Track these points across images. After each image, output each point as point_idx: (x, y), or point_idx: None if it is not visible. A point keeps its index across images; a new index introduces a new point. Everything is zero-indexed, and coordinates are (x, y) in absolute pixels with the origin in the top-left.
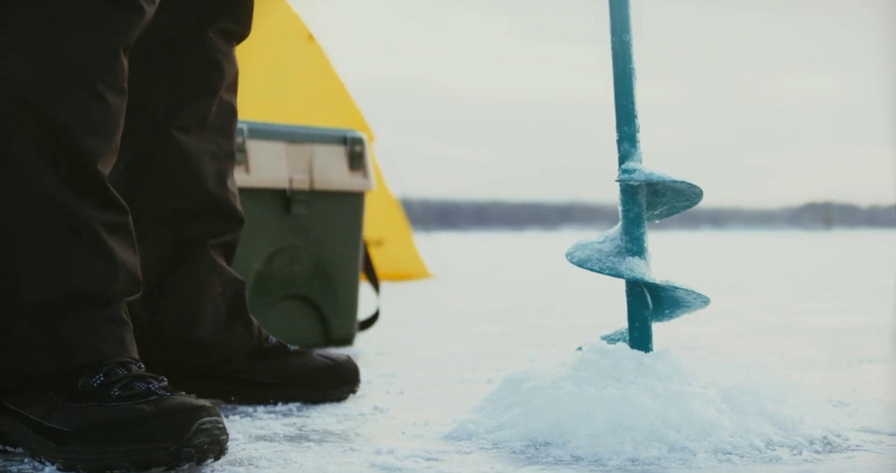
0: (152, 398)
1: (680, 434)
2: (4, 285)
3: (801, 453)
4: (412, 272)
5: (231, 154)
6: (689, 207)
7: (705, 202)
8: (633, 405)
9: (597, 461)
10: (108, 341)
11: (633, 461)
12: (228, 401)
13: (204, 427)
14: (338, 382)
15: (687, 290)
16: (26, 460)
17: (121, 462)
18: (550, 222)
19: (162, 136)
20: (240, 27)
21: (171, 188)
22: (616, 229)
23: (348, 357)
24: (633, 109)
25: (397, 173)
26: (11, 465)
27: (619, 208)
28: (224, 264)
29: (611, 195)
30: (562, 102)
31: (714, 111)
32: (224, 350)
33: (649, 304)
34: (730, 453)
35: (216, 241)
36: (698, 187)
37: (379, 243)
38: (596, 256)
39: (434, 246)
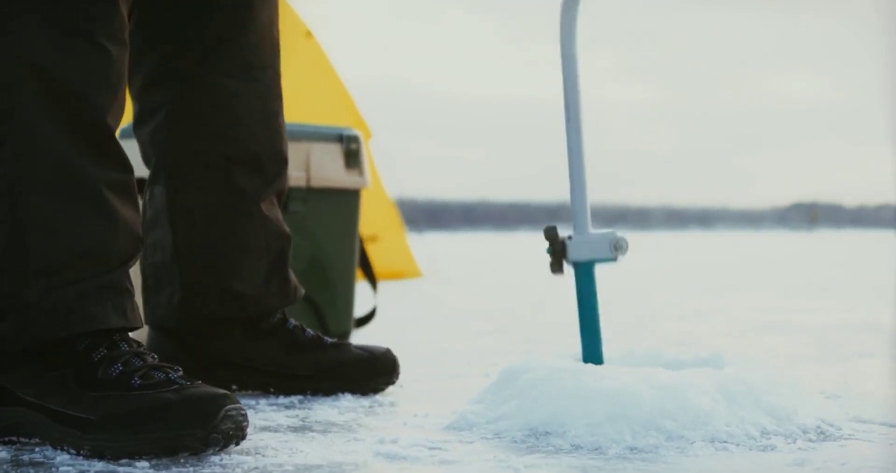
0: (174, 387)
1: (677, 424)
2: (11, 246)
3: (795, 441)
4: (405, 271)
5: (278, 94)
6: None
7: (693, 202)
8: (631, 395)
9: (596, 449)
10: (111, 310)
11: (631, 449)
12: (268, 392)
13: (230, 413)
14: (372, 374)
15: None
16: (37, 449)
17: (149, 448)
18: (540, 222)
19: (201, 81)
20: None
21: (215, 135)
22: None
23: (387, 350)
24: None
25: (393, 173)
26: (23, 454)
27: None
28: (273, 216)
29: (599, 196)
30: (553, 103)
31: (702, 112)
32: (259, 306)
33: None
34: (726, 441)
35: (268, 192)
36: None
37: (373, 238)
38: None
39: (426, 245)
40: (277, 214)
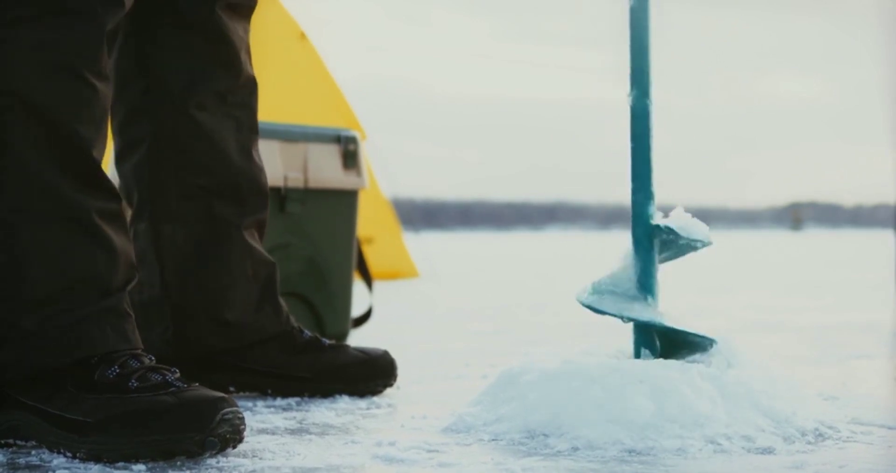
0: (171, 389)
1: (675, 426)
2: (9, 276)
3: (793, 444)
4: (401, 271)
5: (254, 128)
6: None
7: (691, 202)
8: (630, 397)
9: (595, 451)
10: (111, 334)
11: (630, 451)
12: (265, 394)
13: (227, 417)
14: (370, 376)
15: (695, 334)
16: (34, 452)
17: (146, 451)
18: (536, 221)
19: (180, 115)
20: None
21: (195, 166)
22: (624, 270)
23: (385, 352)
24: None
25: (388, 173)
26: (19, 457)
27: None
28: (256, 245)
29: (595, 195)
30: (546, 103)
31: (699, 112)
32: (253, 333)
33: (657, 346)
34: (724, 444)
35: (249, 221)
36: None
37: (369, 240)
38: (609, 299)
39: (422, 245)
40: (259, 244)
